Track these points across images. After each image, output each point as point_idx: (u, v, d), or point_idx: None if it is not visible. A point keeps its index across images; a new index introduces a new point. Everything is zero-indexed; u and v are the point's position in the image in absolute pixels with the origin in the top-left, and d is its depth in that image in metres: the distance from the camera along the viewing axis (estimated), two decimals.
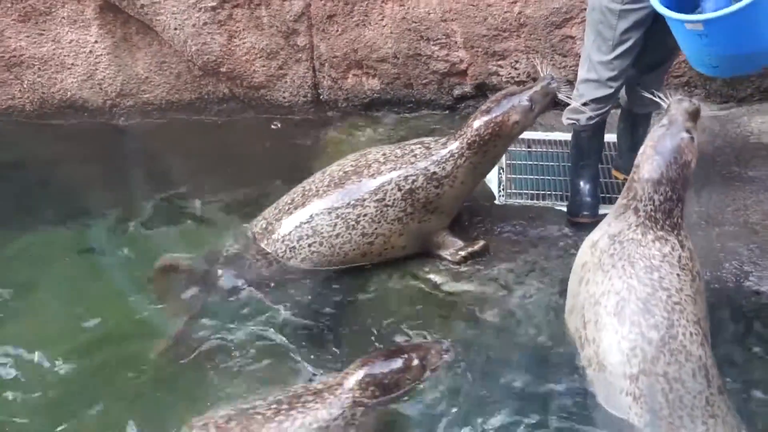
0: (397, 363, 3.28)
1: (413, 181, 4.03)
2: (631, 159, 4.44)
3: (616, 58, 3.99)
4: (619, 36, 3.93)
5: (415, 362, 3.29)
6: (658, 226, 3.24)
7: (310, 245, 4.05)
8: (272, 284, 4.04)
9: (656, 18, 3.75)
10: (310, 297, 4.00)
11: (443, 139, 4.17)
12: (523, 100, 4.02)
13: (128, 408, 3.45)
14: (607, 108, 4.23)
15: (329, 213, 4.05)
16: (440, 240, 4.20)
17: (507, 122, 4.01)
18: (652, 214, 3.24)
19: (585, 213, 4.32)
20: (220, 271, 4.08)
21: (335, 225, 4.03)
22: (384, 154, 4.16)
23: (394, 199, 4.02)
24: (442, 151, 4.08)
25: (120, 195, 4.89)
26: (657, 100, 3.50)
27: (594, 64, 4.08)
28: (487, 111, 4.06)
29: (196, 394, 3.51)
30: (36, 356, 3.74)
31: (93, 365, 3.70)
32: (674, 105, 3.38)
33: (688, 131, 3.29)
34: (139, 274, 4.21)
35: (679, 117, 3.31)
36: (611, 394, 3.09)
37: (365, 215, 4.02)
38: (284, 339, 3.77)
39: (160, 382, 3.59)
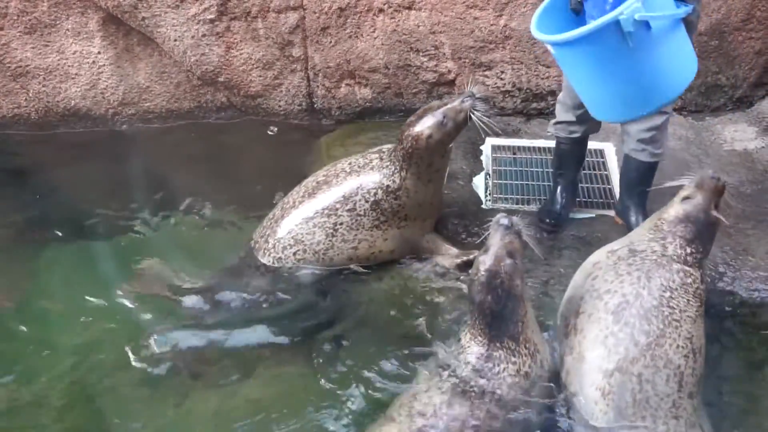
0: (496, 292, 3.09)
1: (375, 194, 4.10)
2: (623, 202, 4.34)
3: (566, 80, 3.99)
4: None
5: (506, 263, 3.11)
6: (686, 264, 3.29)
7: (294, 254, 4.11)
8: (266, 294, 4.08)
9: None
10: (303, 303, 4.04)
11: (391, 149, 4.20)
12: (436, 115, 4.02)
13: (128, 420, 3.50)
14: (580, 130, 4.21)
15: (306, 222, 4.10)
16: (432, 246, 4.25)
17: (421, 136, 4.02)
18: (682, 255, 3.31)
19: (548, 220, 4.38)
20: (217, 284, 4.14)
21: (314, 233, 4.09)
22: (350, 164, 4.24)
23: (365, 210, 4.09)
24: (388, 165, 4.13)
25: (122, 201, 4.91)
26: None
27: (563, 87, 4.11)
28: (408, 125, 4.10)
29: (199, 401, 3.57)
30: (36, 361, 3.77)
31: (93, 370, 3.74)
32: (706, 179, 3.40)
33: (717, 206, 3.37)
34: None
35: (709, 192, 3.36)
36: (583, 385, 3.14)
37: (341, 224, 4.08)
38: (280, 345, 3.82)
39: (159, 387, 3.63)
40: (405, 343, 3.77)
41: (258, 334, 3.90)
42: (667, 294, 3.20)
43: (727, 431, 3.24)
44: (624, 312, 3.17)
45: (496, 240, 3.18)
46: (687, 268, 3.29)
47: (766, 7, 5.08)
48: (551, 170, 4.65)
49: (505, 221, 3.21)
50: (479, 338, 3.17)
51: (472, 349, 3.17)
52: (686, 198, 3.40)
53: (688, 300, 3.23)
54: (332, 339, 3.86)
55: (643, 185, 4.20)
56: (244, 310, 4.03)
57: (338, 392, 3.56)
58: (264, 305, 4.04)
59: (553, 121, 4.32)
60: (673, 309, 3.17)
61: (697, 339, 3.21)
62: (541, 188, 4.84)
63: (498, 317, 3.12)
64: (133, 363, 3.75)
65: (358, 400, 3.51)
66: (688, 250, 3.32)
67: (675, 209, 3.41)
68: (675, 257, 3.30)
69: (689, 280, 3.27)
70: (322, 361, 3.73)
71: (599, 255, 3.52)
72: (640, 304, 3.17)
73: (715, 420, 3.25)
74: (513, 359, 3.10)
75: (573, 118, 4.12)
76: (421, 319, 3.91)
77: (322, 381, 3.62)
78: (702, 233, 3.34)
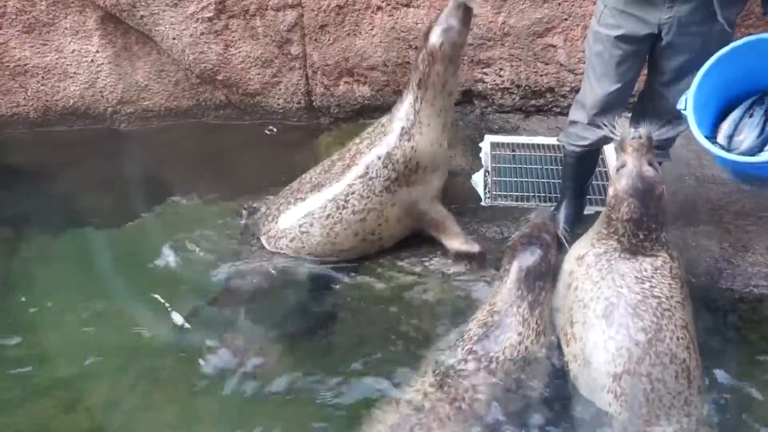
0: (536, 249, 3.35)
1: (387, 144, 4.18)
2: None
3: (587, 79, 3.90)
4: (590, 56, 3.85)
5: (546, 236, 3.37)
6: (646, 251, 3.27)
7: (300, 225, 4.16)
8: (265, 292, 4.07)
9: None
10: (301, 302, 4.04)
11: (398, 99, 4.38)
12: (439, 23, 4.13)
13: (129, 407, 3.51)
14: (592, 137, 4.03)
15: (319, 196, 4.18)
16: (439, 219, 4.28)
17: (435, 49, 4.09)
18: (638, 244, 3.27)
19: None
20: (216, 282, 4.15)
21: (325, 207, 4.14)
22: (359, 136, 4.39)
23: (377, 170, 4.15)
24: (400, 106, 4.27)
25: (120, 199, 4.93)
26: (608, 132, 3.46)
27: (584, 86, 3.98)
28: (417, 51, 4.21)
29: (197, 395, 3.57)
30: (33, 358, 3.77)
31: (91, 368, 3.73)
32: (627, 141, 3.31)
33: (650, 164, 3.28)
34: (137, 278, 4.23)
35: (635, 153, 3.28)
36: (593, 390, 3.15)
37: (353, 193, 4.14)
38: (277, 344, 3.81)
39: (157, 386, 3.63)
40: (404, 342, 3.77)
41: (255, 332, 3.90)
42: (647, 285, 3.19)
43: (727, 426, 3.23)
44: (613, 314, 3.16)
45: (540, 219, 3.56)
46: (651, 252, 3.26)
47: None
48: (560, 180, 4.57)
49: (549, 210, 3.66)
50: (503, 301, 3.30)
51: (489, 315, 3.30)
52: (619, 169, 3.33)
53: (669, 284, 3.21)
54: (331, 338, 3.88)
55: None
56: (242, 309, 4.01)
57: (336, 392, 3.56)
58: (262, 303, 4.04)
59: (566, 122, 4.20)
60: (659, 298, 3.16)
61: (691, 325, 3.21)
62: (540, 185, 4.85)
63: (532, 274, 3.31)
64: (131, 359, 3.75)
65: (355, 399, 3.51)
66: (641, 235, 3.26)
67: (612, 188, 3.34)
68: (633, 248, 3.27)
69: (659, 263, 3.25)
70: (319, 361, 3.72)
71: (571, 263, 3.50)
72: (625, 302, 3.16)
73: (715, 415, 3.25)
74: (520, 329, 3.18)
75: (585, 120, 3.99)
76: (421, 318, 3.91)
77: (320, 380, 3.62)
78: (647, 204, 3.25)
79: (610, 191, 3.35)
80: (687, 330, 3.16)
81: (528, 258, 3.33)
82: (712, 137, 3.46)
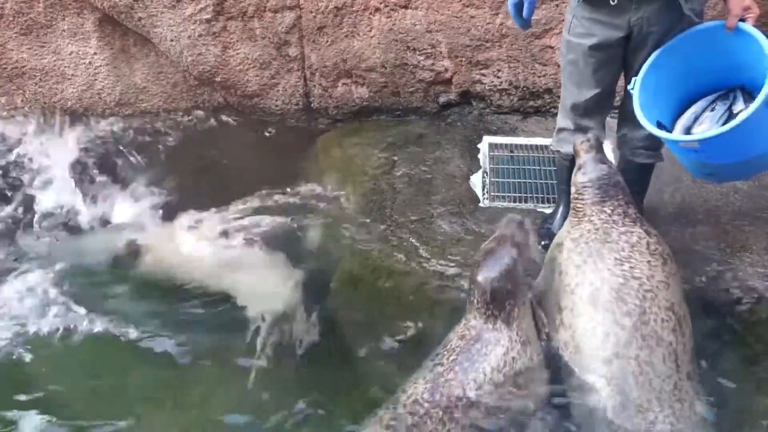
0: (503, 256, 3.28)
1: None
2: None
3: (565, 87, 3.89)
4: (564, 65, 3.84)
5: (509, 249, 3.30)
6: (618, 225, 3.34)
7: None
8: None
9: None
10: (299, 296, 4.05)
11: None
12: None
13: (127, 413, 3.53)
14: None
15: None
16: None
17: None
18: (607, 220, 3.37)
19: (543, 243, 4.14)
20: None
21: None
22: None
23: None
24: None
25: (118, 201, 4.95)
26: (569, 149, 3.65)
27: (564, 90, 3.96)
28: None
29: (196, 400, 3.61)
30: (26, 359, 3.80)
31: (86, 368, 3.80)
32: (578, 145, 3.56)
33: (602, 162, 3.49)
34: (135, 281, 4.26)
35: (587, 153, 3.51)
36: (586, 376, 3.17)
37: None
38: (276, 345, 3.83)
39: (150, 391, 3.68)
40: (403, 343, 3.80)
41: (253, 333, 3.90)
42: (626, 266, 3.22)
43: (724, 427, 3.23)
44: (599, 299, 3.19)
45: (507, 230, 3.42)
46: (621, 227, 3.33)
47: (762, 3, 5.06)
48: (555, 182, 4.56)
49: (519, 218, 3.50)
50: (476, 319, 3.24)
51: (465, 329, 3.25)
52: (577, 171, 3.54)
53: (648, 261, 3.22)
54: (328, 340, 3.89)
55: (639, 185, 4.10)
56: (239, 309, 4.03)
57: (333, 393, 3.59)
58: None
59: (555, 130, 4.16)
60: (640, 279, 3.18)
61: (678, 306, 3.22)
62: (538, 186, 4.85)
63: (497, 295, 3.22)
64: (127, 361, 3.79)
65: (354, 401, 3.53)
66: (608, 210, 3.37)
67: (573, 187, 3.56)
68: (604, 222, 3.35)
69: (634, 239, 3.29)
70: (318, 361, 3.74)
71: (552, 251, 3.54)
72: (609, 287, 3.19)
73: (712, 416, 3.23)
74: (503, 342, 3.16)
75: (572, 127, 3.97)
76: (415, 314, 3.93)
77: (318, 381, 3.65)
78: (606, 190, 3.42)
79: (572, 189, 3.53)
80: (672, 311, 3.17)
81: (489, 280, 3.23)
82: (670, 128, 3.54)
